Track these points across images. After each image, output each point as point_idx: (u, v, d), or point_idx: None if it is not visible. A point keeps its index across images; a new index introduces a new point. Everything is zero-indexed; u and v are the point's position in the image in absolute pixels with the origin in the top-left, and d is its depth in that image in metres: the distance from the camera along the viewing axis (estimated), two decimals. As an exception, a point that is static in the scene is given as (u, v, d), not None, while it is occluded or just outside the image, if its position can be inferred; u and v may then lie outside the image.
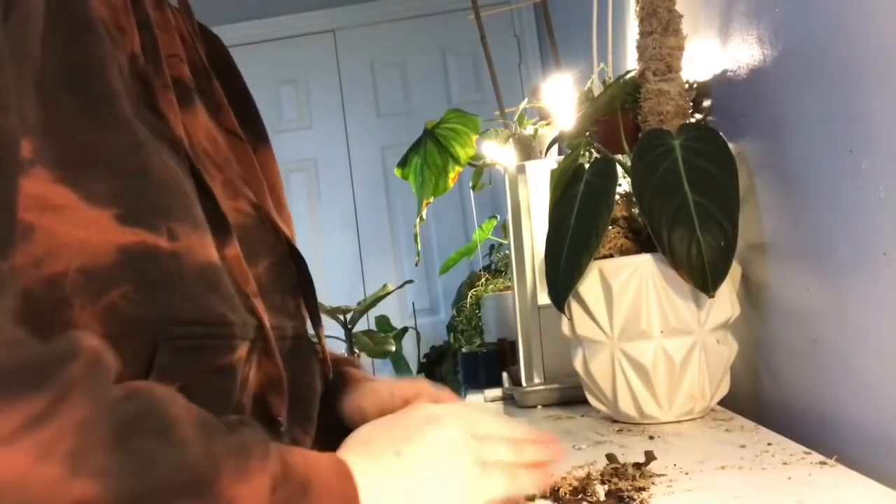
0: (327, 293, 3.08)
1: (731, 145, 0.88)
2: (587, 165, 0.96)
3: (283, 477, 0.42)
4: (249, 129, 0.73)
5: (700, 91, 1.04)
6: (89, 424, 0.35)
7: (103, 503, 0.34)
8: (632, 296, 0.87)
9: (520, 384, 1.21)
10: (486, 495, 0.49)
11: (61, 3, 0.47)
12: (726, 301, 0.88)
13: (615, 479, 0.64)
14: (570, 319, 0.93)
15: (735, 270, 0.90)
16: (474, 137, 1.71)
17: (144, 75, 0.54)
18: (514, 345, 1.28)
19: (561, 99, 1.41)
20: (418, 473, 0.48)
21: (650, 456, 0.68)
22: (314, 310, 0.70)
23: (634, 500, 0.59)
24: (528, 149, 1.49)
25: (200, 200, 0.55)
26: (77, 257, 0.45)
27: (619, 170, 0.94)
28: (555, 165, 1.05)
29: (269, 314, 0.58)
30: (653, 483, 0.64)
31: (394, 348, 1.66)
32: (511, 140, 1.53)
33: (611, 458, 0.71)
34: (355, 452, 0.48)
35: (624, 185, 0.97)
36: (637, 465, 0.67)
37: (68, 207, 0.44)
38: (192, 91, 0.62)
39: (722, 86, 1.00)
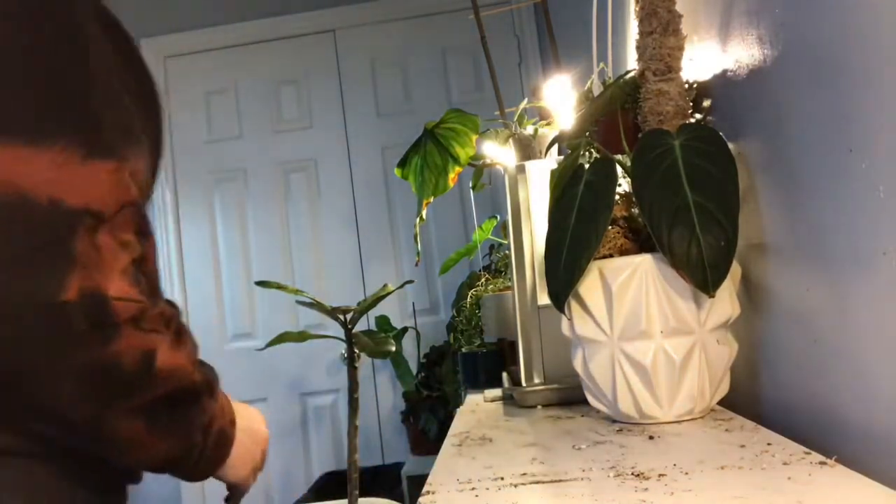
0: (327, 293, 3.08)
1: (731, 145, 0.88)
2: (587, 165, 0.96)
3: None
4: None
5: (700, 91, 1.04)
6: (194, 347, 0.76)
7: (203, 385, 0.75)
8: (632, 296, 0.87)
9: (520, 384, 1.21)
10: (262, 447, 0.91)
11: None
12: (726, 301, 0.88)
13: None
14: (570, 319, 0.93)
15: (735, 270, 0.89)
16: (474, 137, 1.71)
17: None
18: (514, 345, 1.28)
19: (561, 99, 1.41)
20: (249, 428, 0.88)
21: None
22: None
23: None
24: (528, 149, 1.49)
25: None
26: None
27: (619, 170, 0.94)
28: (555, 165, 1.05)
29: None
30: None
31: (394, 348, 1.66)
32: (511, 140, 1.53)
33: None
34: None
35: (624, 185, 0.97)
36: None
37: None
38: None
39: (722, 86, 1.00)
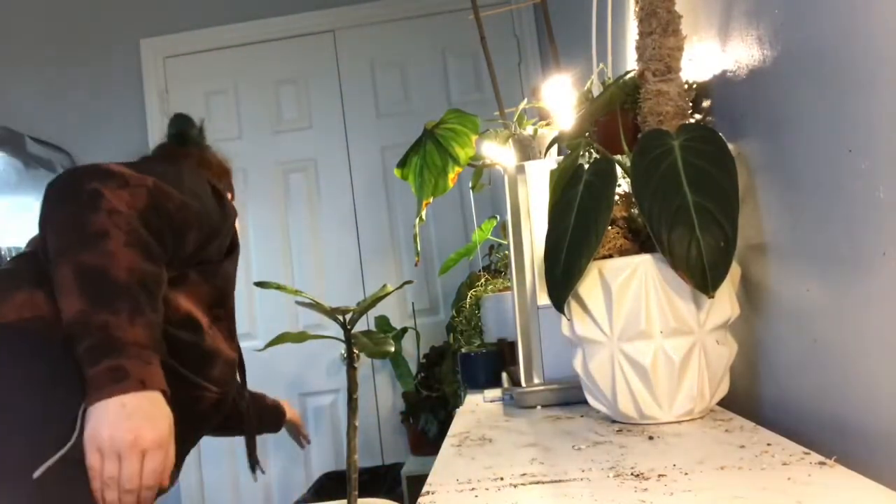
0: (327, 294, 3.08)
1: (731, 145, 0.88)
2: (587, 166, 0.96)
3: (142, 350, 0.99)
4: None
5: (700, 91, 1.04)
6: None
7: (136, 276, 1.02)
8: (631, 296, 0.87)
9: (519, 384, 1.21)
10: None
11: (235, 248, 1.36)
12: (726, 301, 0.88)
13: None
14: (570, 320, 0.93)
15: (735, 270, 0.89)
16: (474, 138, 1.71)
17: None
18: (513, 345, 1.28)
19: (561, 99, 1.41)
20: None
21: None
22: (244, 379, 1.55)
23: None
24: (527, 149, 1.49)
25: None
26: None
27: (619, 170, 0.94)
28: (554, 166, 1.05)
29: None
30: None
31: (393, 348, 1.66)
32: (511, 140, 1.53)
33: None
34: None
35: (623, 185, 0.97)
36: None
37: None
38: None
39: (722, 86, 1.00)
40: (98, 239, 0.98)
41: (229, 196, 1.52)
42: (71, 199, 1.02)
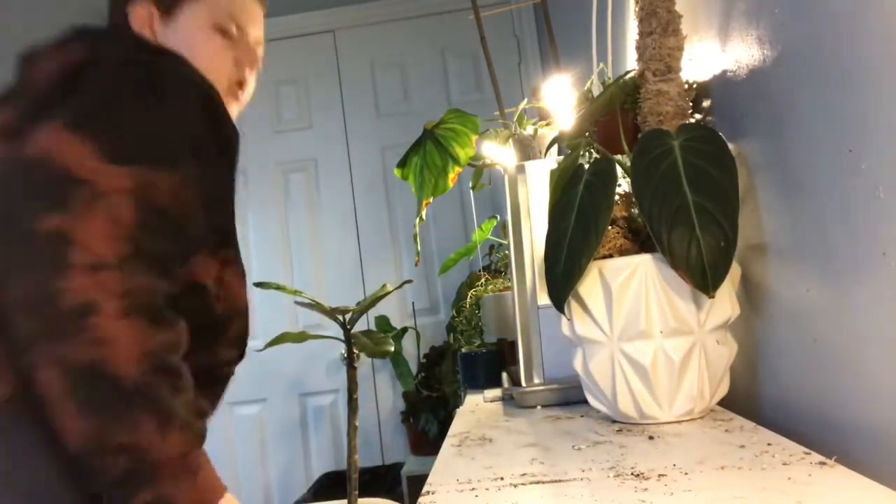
0: (326, 293, 3.08)
1: (731, 145, 0.88)
2: (587, 166, 0.96)
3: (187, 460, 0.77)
4: None
5: (700, 91, 1.04)
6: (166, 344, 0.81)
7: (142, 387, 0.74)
8: (631, 296, 0.87)
9: (519, 384, 1.21)
10: None
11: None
12: (726, 301, 0.88)
13: None
14: (570, 319, 0.93)
15: (735, 271, 0.89)
16: (474, 138, 1.71)
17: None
18: (513, 345, 1.28)
19: (561, 99, 1.41)
20: None
21: None
22: None
23: None
24: (527, 149, 1.49)
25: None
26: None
27: (619, 170, 0.94)
28: (554, 165, 1.05)
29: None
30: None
31: (393, 348, 1.66)
32: (511, 140, 1.53)
33: None
34: None
35: (624, 185, 0.97)
36: None
37: None
38: None
39: (722, 86, 1.00)
40: (81, 319, 0.71)
41: (245, 19, 1.12)
42: (21, 249, 0.72)
